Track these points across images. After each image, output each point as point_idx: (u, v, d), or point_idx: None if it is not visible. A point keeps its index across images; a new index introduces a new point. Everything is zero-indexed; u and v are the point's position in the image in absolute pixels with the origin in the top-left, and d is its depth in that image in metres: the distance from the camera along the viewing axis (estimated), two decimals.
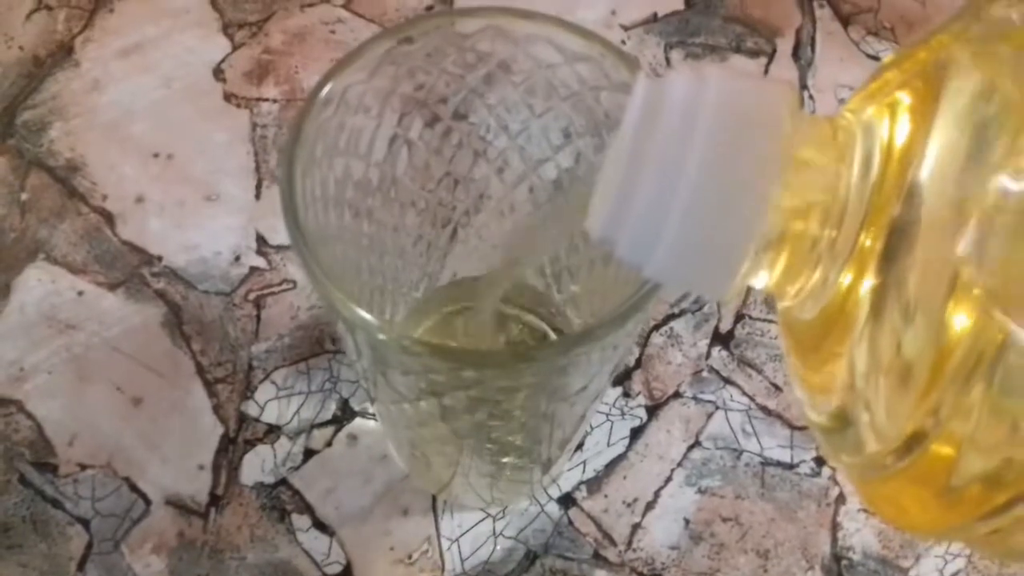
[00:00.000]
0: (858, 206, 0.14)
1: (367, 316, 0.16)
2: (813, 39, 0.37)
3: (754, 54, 0.37)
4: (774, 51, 0.37)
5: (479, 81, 0.20)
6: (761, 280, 0.15)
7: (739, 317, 0.32)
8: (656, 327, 0.31)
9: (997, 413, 0.12)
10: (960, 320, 0.12)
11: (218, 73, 0.35)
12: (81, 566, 0.28)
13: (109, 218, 0.33)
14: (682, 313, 0.32)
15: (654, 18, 0.37)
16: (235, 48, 0.36)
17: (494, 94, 0.21)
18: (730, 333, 0.31)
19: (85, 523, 0.28)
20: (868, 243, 0.14)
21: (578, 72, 0.20)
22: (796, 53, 0.37)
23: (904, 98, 0.14)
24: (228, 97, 0.35)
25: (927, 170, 0.13)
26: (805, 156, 0.14)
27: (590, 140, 0.21)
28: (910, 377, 0.13)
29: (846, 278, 0.14)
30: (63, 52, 0.36)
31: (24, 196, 0.33)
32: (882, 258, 0.13)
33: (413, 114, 0.21)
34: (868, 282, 0.14)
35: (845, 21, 0.37)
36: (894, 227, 0.13)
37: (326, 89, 0.18)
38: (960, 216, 0.12)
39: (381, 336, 0.15)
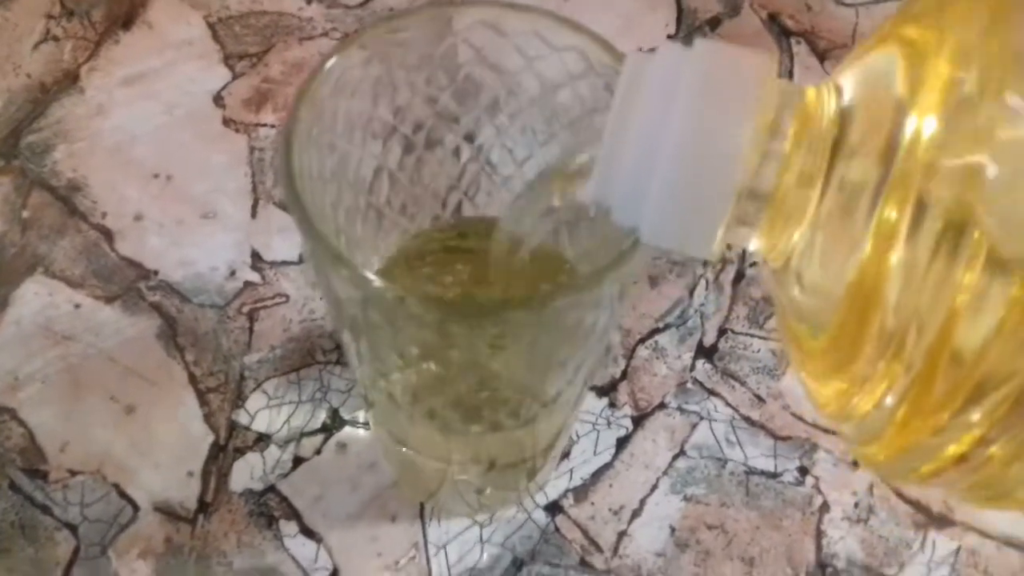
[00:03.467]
0: (870, 164, 0.14)
1: (370, 275, 0.16)
2: (791, 73, 0.38)
3: None
4: None
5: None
6: (750, 241, 0.15)
7: (722, 332, 0.32)
8: (641, 340, 0.32)
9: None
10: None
11: (218, 100, 0.37)
12: (67, 571, 0.28)
13: (108, 235, 0.34)
14: (667, 327, 0.32)
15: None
16: (235, 77, 0.37)
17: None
18: (714, 347, 0.32)
19: (73, 528, 0.28)
20: (901, 197, 0.13)
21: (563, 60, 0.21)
22: None
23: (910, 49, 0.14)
24: (227, 122, 0.36)
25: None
26: (780, 113, 0.15)
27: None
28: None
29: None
30: (69, 80, 0.37)
31: (25, 214, 0.34)
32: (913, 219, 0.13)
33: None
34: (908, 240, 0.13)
35: (821, 56, 0.39)
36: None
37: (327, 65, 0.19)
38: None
39: (377, 284, 0.16)
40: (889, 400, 0.14)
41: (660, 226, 0.15)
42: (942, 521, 0.29)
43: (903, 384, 0.13)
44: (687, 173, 0.14)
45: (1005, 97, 0.13)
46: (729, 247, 0.16)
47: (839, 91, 0.15)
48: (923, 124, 0.13)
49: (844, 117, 0.14)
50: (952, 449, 0.13)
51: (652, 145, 0.15)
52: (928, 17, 0.14)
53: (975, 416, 0.13)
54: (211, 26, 0.39)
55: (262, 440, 0.30)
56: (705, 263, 0.34)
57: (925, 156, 0.13)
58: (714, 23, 0.40)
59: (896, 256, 0.13)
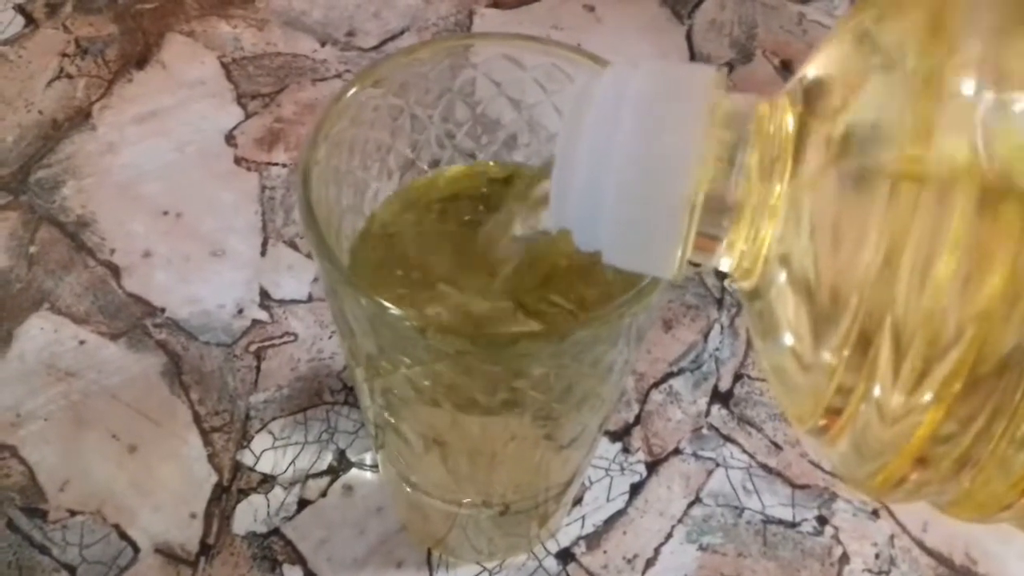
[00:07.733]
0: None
1: (391, 306, 0.16)
2: None
3: None
4: None
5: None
6: (719, 259, 0.15)
7: (738, 377, 0.32)
8: (655, 384, 0.31)
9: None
10: None
11: (230, 139, 0.37)
12: None
13: (115, 271, 0.33)
14: (681, 372, 0.32)
15: None
16: (248, 116, 0.37)
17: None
18: (729, 392, 0.31)
19: (71, 570, 0.28)
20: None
21: None
22: None
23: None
24: (239, 161, 0.36)
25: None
26: (731, 122, 0.14)
27: None
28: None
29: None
30: (81, 117, 0.37)
31: (33, 249, 0.34)
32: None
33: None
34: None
35: None
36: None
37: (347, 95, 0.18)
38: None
39: (395, 312, 0.16)
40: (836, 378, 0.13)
41: (618, 247, 0.15)
42: (966, 573, 0.28)
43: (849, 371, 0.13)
44: (637, 190, 0.14)
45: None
46: (698, 266, 0.15)
47: (795, 97, 0.14)
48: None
49: (801, 119, 0.14)
50: (920, 432, 0.12)
51: (601, 165, 0.14)
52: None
53: (927, 396, 0.12)
54: (225, 66, 0.39)
55: (267, 481, 0.29)
56: (720, 307, 0.33)
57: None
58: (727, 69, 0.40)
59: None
